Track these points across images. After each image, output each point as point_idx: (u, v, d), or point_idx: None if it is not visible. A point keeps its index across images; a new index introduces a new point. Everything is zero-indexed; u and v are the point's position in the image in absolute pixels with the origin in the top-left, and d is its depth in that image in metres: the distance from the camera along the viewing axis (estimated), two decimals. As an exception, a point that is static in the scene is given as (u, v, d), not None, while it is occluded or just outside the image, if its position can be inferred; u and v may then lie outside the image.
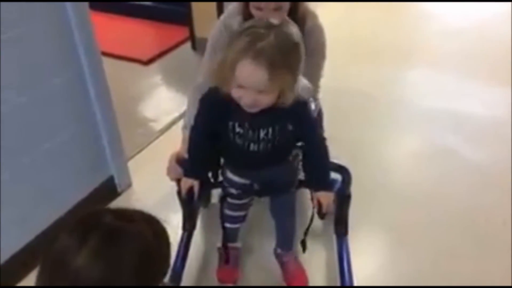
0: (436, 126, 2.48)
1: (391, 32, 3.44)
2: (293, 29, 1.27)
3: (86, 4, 1.69)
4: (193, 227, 1.73)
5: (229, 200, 1.55)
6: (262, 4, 1.51)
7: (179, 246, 1.65)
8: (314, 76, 1.74)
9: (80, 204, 1.91)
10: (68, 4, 1.62)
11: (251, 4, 1.54)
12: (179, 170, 1.55)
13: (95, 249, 0.78)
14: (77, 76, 1.76)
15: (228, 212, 1.59)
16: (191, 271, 1.71)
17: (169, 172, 1.63)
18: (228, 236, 1.65)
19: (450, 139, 2.38)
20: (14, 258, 1.71)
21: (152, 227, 0.86)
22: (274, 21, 1.22)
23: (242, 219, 1.64)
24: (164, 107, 2.73)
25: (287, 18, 1.37)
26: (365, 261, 1.77)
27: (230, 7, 1.71)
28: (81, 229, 0.82)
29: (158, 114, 2.65)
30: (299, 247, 1.63)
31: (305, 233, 1.49)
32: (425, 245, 1.83)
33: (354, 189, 1.69)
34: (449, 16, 3.63)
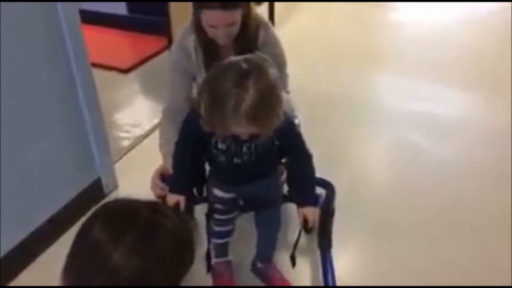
0: (405, 126, 2.63)
1: (362, 39, 3.60)
2: (269, 69, 1.19)
3: (77, 11, 1.77)
4: None
5: (215, 216, 1.57)
6: (215, 21, 1.50)
7: None
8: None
9: (69, 204, 1.97)
10: (60, 10, 1.70)
11: (204, 22, 1.53)
12: (162, 187, 1.57)
13: (133, 244, 0.77)
14: (66, 80, 1.84)
15: (215, 228, 1.61)
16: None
17: (153, 189, 1.64)
18: (219, 251, 1.69)
19: (419, 138, 2.53)
20: (8, 256, 1.75)
21: (181, 219, 0.87)
22: (245, 65, 1.16)
23: (229, 233, 1.66)
24: (145, 113, 2.81)
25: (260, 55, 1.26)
26: (346, 261, 1.84)
27: (182, 28, 1.70)
28: (118, 222, 0.80)
29: (139, 119, 2.73)
30: (281, 262, 1.69)
31: (294, 247, 1.47)
32: (404, 239, 1.94)
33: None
34: (415, 25, 3.82)
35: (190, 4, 2.94)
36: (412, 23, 3.86)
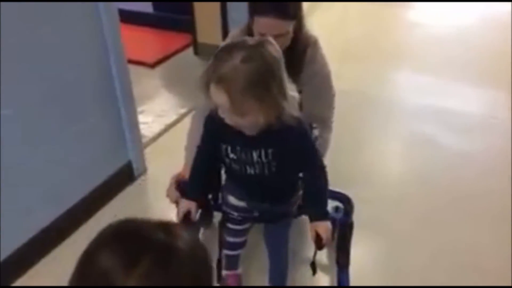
0: (424, 123, 2.73)
1: (380, 39, 3.75)
2: (270, 51, 1.17)
3: (117, 11, 1.99)
4: None
5: (229, 225, 1.55)
6: (266, 28, 1.47)
7: None
8: (322, 108, 1.67)
9: (102, 184, 2.16)
10: (102, 11, 1.91)
11: (255, 29, 1.50)
12: (176, 194, 1.56)
13: (148, 271, 0.70)
14: (104, 69, 2.04)
15: (228, 238, 1.58)
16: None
17: (168, 194, 1.62)
18: (229, 264, 1.65)
19: (437, 133, 2.62)
20: (42, 233, 1.91)
21: (195, 239, 0.82)
22: (251, 41, 1.19)
23: (241, 245, 1.63)
24: (171, 103, 3.03)
25: (269, 38, 1.23)
26: (361, 257, 1.83)
27: (231, 33, 1.66)
28: (130, 247, 0.72)
29: (165, 110, 2.94)
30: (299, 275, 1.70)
31: (314, 255, 1.41)
32: (421, 235, 1.97)
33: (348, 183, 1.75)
34: (433, 25, 3.94)
35: (214, 2, 3.18)
36: (430, 23, 3.97)
